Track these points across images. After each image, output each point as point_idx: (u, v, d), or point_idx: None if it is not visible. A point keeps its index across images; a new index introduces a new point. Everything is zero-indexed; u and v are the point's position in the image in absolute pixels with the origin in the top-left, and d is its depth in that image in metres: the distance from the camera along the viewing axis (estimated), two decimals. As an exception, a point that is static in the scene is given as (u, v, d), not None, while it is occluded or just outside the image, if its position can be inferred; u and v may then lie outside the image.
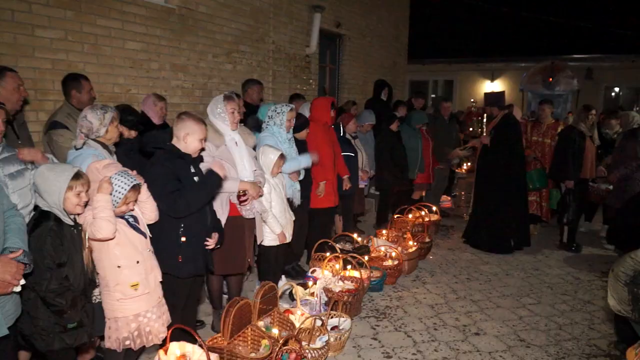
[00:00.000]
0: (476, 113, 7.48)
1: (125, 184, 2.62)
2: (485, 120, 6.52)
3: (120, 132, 3.21)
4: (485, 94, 6.69)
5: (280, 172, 4.15)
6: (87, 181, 2.50)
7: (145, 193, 2.80)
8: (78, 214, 2.52)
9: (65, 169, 2.45)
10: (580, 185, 6.23)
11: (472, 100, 6.42)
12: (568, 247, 6.28)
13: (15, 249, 2.14)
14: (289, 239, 4.19)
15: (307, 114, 5.16)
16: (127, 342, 2.71)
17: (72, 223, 2.46)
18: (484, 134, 6.13)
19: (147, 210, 2.85)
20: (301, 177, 4.50)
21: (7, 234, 2.19)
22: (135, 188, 2.68)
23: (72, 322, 2.44)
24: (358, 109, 7.20)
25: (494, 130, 6.00)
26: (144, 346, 2.81)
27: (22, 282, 2.12)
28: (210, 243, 3.18)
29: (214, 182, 3.08)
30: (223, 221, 3.54)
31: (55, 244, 2.36)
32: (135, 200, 2.74)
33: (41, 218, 2.40)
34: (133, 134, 3.69)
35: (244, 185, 3.55)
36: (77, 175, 2.43)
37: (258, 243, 4.06)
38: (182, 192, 2.97)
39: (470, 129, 7.55)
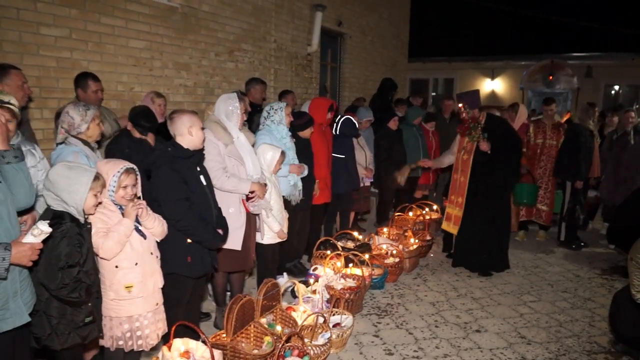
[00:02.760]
0: (471, 117, 5.58)
1: (116, 169, 2.66)
2: (479, 124, 5.25)
3: (101, 131, 3.23)
4: (459, 94, 5.56)
5: (280, 169, 4.18)
6: (104, 183, 2.54)
7: (151, 221, 2.82)
8: (91, 214, 2.55)
9: (86, 170, 2.45)
10: (585, 184, 6.25)
11: (460, 106, 4.88)
12: (569, 246, 6.30)
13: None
14: (285, 236, 4.23)
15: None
16: (120, 342, 2.73)
17: (83, 221, 2.47)
18: (482, 140, 5.10)
19: (156, 233, 2.88)
20: (304, 174, 4.51)
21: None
22: (129, 171, 2.69)
23: (89, 315, 2.47)
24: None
25: (485, 134, 5.11)
26: (134, 349, 2.81)
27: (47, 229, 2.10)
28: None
29: (216, 240, 3.18)
30: (243, 221, 3.65)
31: (73, 244, 2.36)
32: (134, 185, 2.73)
33: (57, 219, 2.35)
34: (143, 137, 3.72)
35: (254, 186, 3.65)
36: (96, 177, 2.46)
37: (258, 241, 4.10)
38: (189, 218, 2.99)
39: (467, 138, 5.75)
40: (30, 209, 2.60)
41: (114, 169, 2.65)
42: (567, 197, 6.27)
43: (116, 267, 2.66)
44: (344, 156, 5.56)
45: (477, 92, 5.51)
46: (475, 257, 5.31)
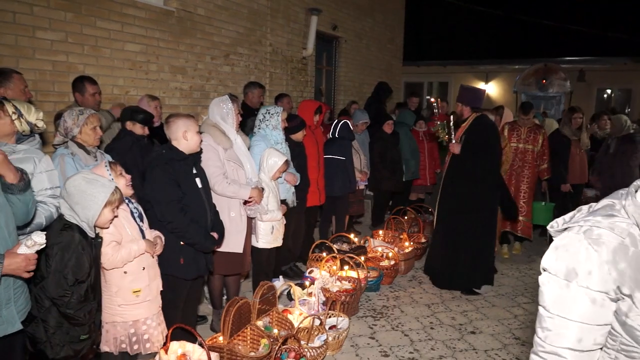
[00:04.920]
0: (440, 115, 5.31)
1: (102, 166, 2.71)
2: (452, 122, 4.78)
3: (100, 136, 3.21)
4: (462, 86, 5.03)
5: (280, 177, 4.20)
6: (121, 196, 2.53)
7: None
8: (105, 228, 2.55)
9: (103, 186, 2.41)
10: (577, 191, 6.14)
11: (432, 99, 4.44)
12: None
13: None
14: (279, 242, 4.25)
15: None
16: (123, 346, 2.73)
17: (93, 236, 2.45)
18: (453, 141, 4.76)
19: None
20: (298, 182, 4.54)
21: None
22: (112, 162, 2.75)
23: (85, 333, 2.45)
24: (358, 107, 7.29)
25: (464, 136, 4.72)
26: (141, 352, 2.82)
27: (42, 241, 2.08)
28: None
29: (208, 243, 3.16)
30: (244, 225, 3.68)
31: (81, 260, 2.34)
32: (120, 174, 2.76)
33: (66, 229, 2.35)
34: (146, 130, 3.77)
35: (253, 192, 3.68)
36: (114, 192, 2.43)
37: (253, 244, 4.12)
38: (180, 220, 2.99)
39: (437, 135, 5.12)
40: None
41: (102, 168, 2.68)
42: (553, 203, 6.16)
43: (125, 272, 2.68)
44: (344, 158, 5.60)
45: (481, 91, 5.01)
46: (439, 271, 4.93)
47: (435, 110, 4.81)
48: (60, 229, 2.35)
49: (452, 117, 4.78)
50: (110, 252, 2.58)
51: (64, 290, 2.30)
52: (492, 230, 4.87)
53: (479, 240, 4.72)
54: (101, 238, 2.53)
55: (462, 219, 4.68)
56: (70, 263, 2.31)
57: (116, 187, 2.48)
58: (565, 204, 5.97)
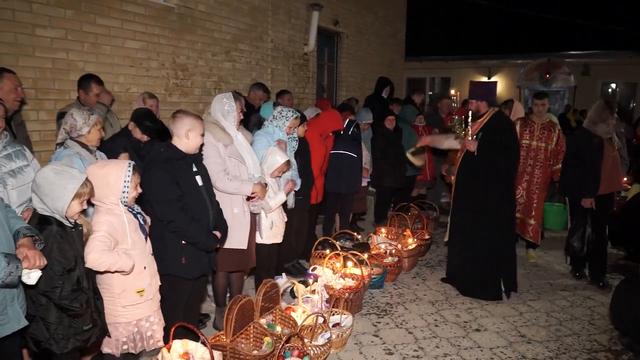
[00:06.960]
0: (459, 110, 4.87)
1: (124, 170, 2.63)
2: (470, 119, 4.50)
3: (102, 137, 3.19)
4: (472, 82, 4.81)
5: (279, 177, 4.16)
6: (92, 189, 2.48)
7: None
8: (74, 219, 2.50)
9: (73, 177, 2.36)
10: (603, 203, 4.86)
11: (452, 92, 4.28)
12: (596, 283, 4.93)
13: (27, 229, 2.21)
14: (280, 239, 4.22)
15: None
16: (125, 347, 2.71)
17: (71, 225, 2.42)
18: (468, 137, 4.50)
19: None
20: (297, 188, 4.49)
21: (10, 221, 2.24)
22: (135, 169, 2.67)
23: (87, 323, 2.43)
24: (359, 107, 7.24)
25: (481, 133, 4.47)
26: (145, 349, 2.81)
27: (38, 273, 2.12)
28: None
29: (209, 242, 3.11)
30: (247, 220, 3.67)
31: (63, 249, 2.32)
32: (136, 186, 2.71)
33: (43, 223, 2.33)
34: (145, 138, 3.74)
35: (255, 187, 3.65)
36: (84, 184, 2.39)
37: (257, 241, 4.09)
38: (181, 219, 2.95)
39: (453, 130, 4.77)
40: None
41: (123, 171, 2.61)
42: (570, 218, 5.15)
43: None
44: (356, 156, 5.60)
45: (493, 84, 4.79)
46: (458, 276, 4.75)
47: (454, 105, 4.65)
48: (36, 223, 2.34)
49: (470, 112, 4.56)
50: (98, 251, 2.48)
51: (54, 281, 2.27)
52: (510, 233, 4.66)
53: (497, 243, 4.50)
54: (81, 226, 2.49)
55: (478, 220, 4.48)
56: (53, 254, 2.29)
57: (87, 179, 2.42)
58: (579, 222, 4.87)
